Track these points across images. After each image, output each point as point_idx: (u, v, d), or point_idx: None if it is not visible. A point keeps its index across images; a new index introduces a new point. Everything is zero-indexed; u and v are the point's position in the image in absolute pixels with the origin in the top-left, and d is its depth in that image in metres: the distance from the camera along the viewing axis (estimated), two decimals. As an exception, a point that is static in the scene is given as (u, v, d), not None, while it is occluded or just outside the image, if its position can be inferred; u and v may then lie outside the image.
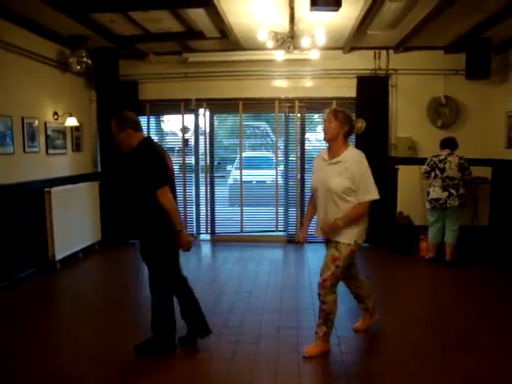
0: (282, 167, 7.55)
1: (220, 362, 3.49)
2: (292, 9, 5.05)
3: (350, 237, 3.44)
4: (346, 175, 3.37)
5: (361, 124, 3.56)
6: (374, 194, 3.44)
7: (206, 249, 7.53)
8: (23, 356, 3.59)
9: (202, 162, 7.76)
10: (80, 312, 4.59)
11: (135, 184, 3.50)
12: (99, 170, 7.47)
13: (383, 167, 7.02)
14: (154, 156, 3.45)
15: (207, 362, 3.49)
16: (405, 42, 6.37)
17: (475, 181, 6.32)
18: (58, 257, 5.98)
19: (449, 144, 6.04)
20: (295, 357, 3.59)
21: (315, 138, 7.74)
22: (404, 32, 5.97)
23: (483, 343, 3.79)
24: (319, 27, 5.30)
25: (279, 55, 6.17)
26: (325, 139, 3.55)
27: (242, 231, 7.67)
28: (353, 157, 3.43)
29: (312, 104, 7.35)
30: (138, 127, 3.57)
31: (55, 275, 5.82)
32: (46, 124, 6.04)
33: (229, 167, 8.18)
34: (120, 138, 3.50)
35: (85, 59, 6.32)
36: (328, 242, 3.60)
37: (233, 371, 3.34)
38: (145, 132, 7.36)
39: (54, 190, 5.93)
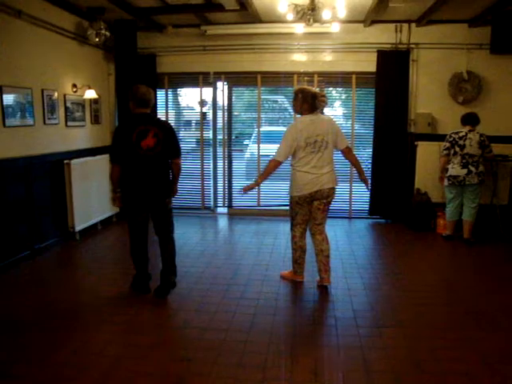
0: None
1: (238, 332, 3.55)
2: (313, -20, 4.97)
3: (290, 191, 4.40)
4: None
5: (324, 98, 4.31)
6: (276, 155, 4.28)
7: (222, 222, 7.59)
8: (47, 313, 3.73)
9: (219, 136, 7.76)
10: (98, 280, 4.72)
11: None
12: (117, 142, 7.50)
13: (402, 143, 6.96)
14: (115, 132, 4.15)
15: (225, 332, 3.55)
16: (428, 14, 6.20)
17: (496, 158, 6.23)
18: (78, 228, 6.09)
19: (470, 120, 5.94)
20: (311, 329, 3.66)
21: (332, 115, 7.66)
22: (428, 4, 5.82)
23: (500, 321, 3.80)
24: (340, -1, 5.21)
25: (299, 28, 6.09)
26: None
27: (258, 205, 7.70)
28: None
29: (331, 78, 7.27)
30: (139, 103, 4.02)
31: (75, 246, 5.93)
32: (65, 96, 6.07)
33: (246, 141, 8.16)
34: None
35: (103, 31, 6.30)
36: None
37: (250, 342, 3.40)
38: (163, 105, 7.42)
39: (74, 162, 5.99)
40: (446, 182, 6.10)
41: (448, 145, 5.99)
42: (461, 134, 5.90)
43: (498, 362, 3.14)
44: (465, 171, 5.86)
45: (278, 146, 4.26)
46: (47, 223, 5.70)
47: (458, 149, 5.90)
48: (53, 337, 3.47)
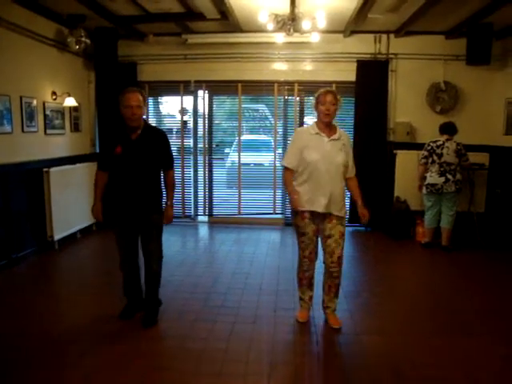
0: (280, 150, 7.55)
1: (217, 341, 3.54)
2: (293, -9, 5.03)
3: (345, 210, 3.86)
4: (345, 151, 3.74)
5: None
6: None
7: (203, 230, 7.58)
8: (25, 323, 3.67)
9: (200, 145, 7.76)
10: (75, 290, 4.65)
11: (149, 160, 3.76)
12: (97, 150, 7.46)
13: (381, 152, 7.04)
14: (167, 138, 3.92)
15: (205, 341, 3.54)
16: (406, 26, 6.33)
17: (472, 167, 6.34)
18: (57, 237, 6.00)
19: (448, 129, 6.04)
20: (291, 337, 3.67)
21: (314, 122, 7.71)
22: (405, 16, 5.94)
23: (479, 327, 3.86)
24: (320, 10, 5.26)
25: (279, 38, 6.14)
26: (326, 120, 3.75)
27: (239, 213, 7.71)
28: (346, 135, 3.87)
29: (311, 87, 7.29)
30: None
31: (53, 255, 5.85)
32: (44, 104, 6.01)
33: (227, 150, 8.18)
34: (142, 111, 3.66)
35: (84, 39, 6.27)
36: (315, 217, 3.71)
37: (230, 350, 3.40)
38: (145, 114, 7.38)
39: (53, 170, 5.92)
40: (424, 190, 6.19)
41: (426, 153, 6.09)
42: (438, 143, 6.00)
43: (475, 368, 3.19)
44: (442, 179, 5.96)
45: (352, 161, 3.86)
46: (25, 232, 5.62)
47: (435, 157, 5.99)
48: (27, 347, 3.41)
